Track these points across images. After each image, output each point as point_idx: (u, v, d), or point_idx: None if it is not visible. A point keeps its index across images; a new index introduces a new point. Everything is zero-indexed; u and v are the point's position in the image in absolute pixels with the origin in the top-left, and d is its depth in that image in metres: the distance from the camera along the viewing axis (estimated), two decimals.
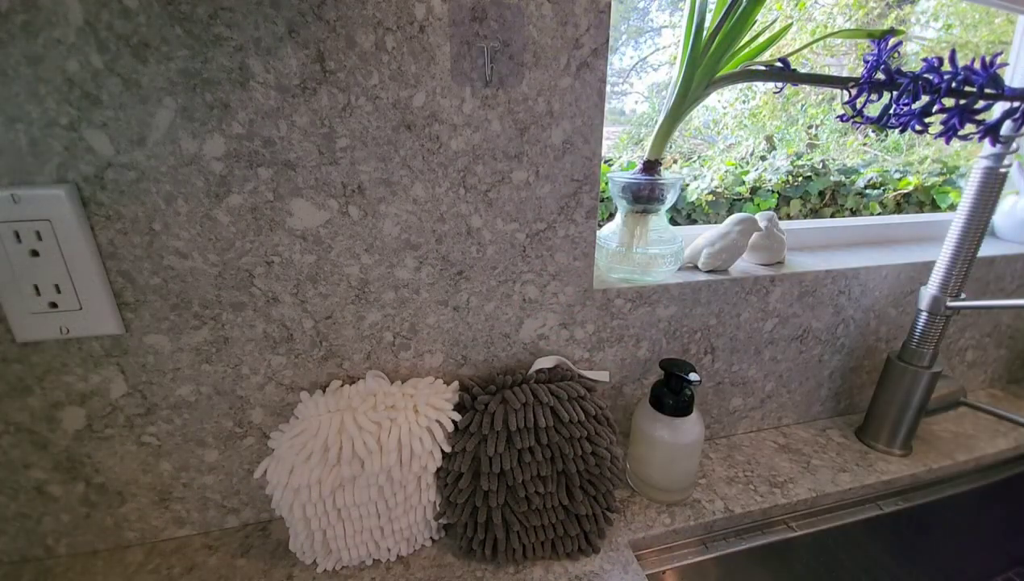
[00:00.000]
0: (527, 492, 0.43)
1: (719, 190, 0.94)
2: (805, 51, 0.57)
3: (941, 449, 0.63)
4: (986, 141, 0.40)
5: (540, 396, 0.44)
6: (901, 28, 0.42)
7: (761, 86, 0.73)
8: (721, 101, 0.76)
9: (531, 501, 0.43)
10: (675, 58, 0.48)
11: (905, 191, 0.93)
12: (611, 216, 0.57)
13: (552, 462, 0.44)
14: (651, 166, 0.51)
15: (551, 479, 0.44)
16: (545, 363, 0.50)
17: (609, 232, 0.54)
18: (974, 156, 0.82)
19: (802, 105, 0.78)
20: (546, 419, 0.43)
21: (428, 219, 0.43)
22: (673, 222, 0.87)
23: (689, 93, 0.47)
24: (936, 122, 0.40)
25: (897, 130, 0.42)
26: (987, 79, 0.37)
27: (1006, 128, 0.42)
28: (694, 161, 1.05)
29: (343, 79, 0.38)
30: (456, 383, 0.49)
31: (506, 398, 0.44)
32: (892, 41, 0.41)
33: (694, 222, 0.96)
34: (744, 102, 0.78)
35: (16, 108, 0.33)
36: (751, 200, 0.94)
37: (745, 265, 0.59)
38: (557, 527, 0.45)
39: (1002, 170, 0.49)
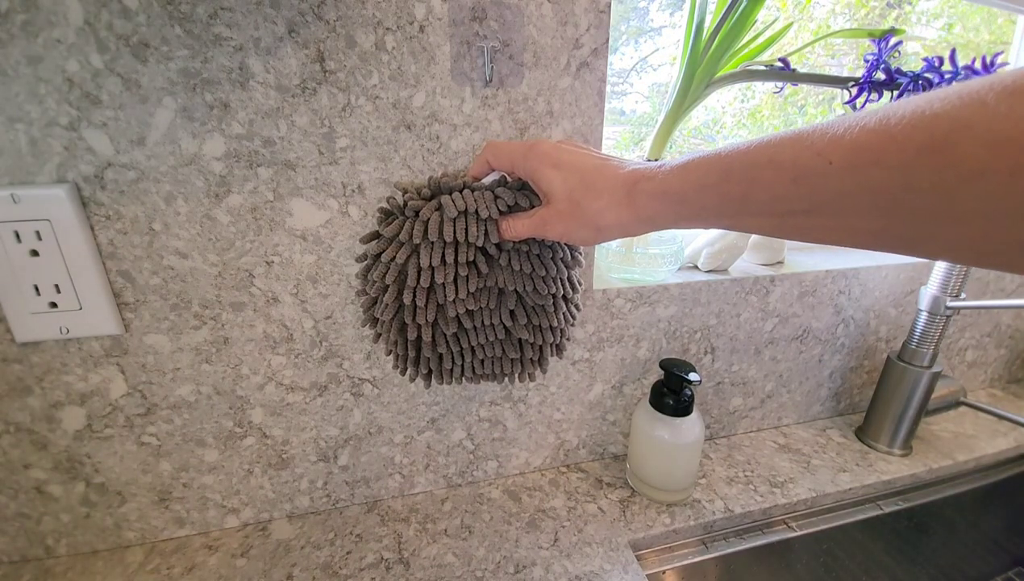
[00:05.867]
0: (463, 310, 0.38)
1: None
2: (805, 50, 0.57)
3: (941, 449, 0.63)
4: None
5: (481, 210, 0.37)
6: (902, 28, 0.42)
7: (761, 86, 0.73)
8: (721, 101, 0.76)
9: (471, 319, 0.39)
10: (675, 58, 0.48)
11: None
12: None
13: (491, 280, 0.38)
14: None
15: (489, 297, 0.39)
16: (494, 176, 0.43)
17: None
18: None
19: (802, 105, 0.78)
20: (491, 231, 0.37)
21: None
22: None
23: (689, 93, 0.47)
24: None
25: None
26: None
27: None
28: None
29: (343, 79, 0.38)
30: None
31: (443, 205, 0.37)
32: (892, 40, 0.41)
33: None
34: (744, 101, 0.78)
35: (16, 108, 0.33)
36: None
37: (745, 265, 0.59)
38: (495, 346, 0.41)
39: None
